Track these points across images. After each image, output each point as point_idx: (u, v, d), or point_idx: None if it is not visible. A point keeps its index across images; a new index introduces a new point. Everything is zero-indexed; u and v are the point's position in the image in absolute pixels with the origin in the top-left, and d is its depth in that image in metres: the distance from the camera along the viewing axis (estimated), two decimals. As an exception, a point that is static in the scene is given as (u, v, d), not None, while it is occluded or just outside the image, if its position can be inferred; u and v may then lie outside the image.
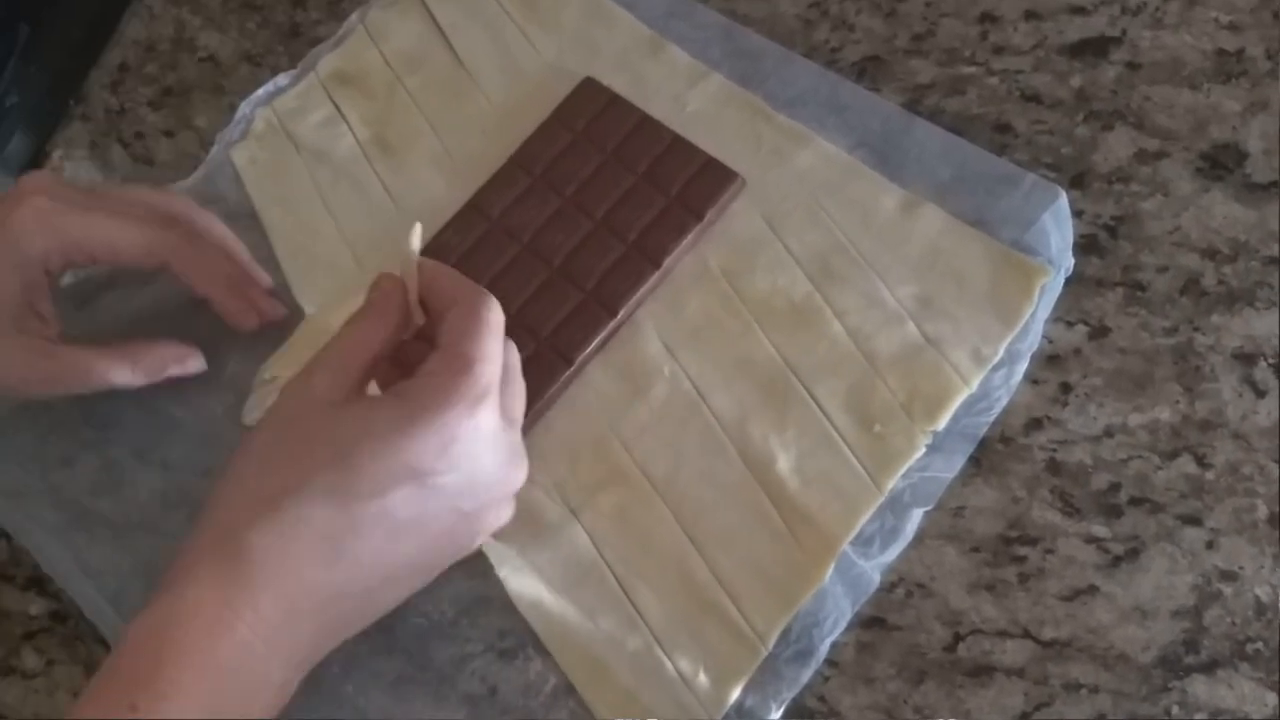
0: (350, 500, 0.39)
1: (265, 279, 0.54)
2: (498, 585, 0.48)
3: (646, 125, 0.55)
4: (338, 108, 0.59)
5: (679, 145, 0.55)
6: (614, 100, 0.56)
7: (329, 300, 0.54)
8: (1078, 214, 0.52)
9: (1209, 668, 0.44)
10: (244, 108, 0.59)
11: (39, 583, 0.52)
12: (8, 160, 0.61)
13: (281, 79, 0.60)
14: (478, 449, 0.41)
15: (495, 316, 0.42)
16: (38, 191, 0.48)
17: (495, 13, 0.60)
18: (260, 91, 0.60)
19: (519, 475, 0.44)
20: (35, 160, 0.62)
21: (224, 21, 0.64)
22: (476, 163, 0.56)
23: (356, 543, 0.39)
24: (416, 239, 0.43)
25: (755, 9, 0.59)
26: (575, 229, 0.54)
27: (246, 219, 0.57)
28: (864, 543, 0.47)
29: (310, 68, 0.61)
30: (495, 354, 0.41)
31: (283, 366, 0.52)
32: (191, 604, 0.38)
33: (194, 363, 0.52)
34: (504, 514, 0.44)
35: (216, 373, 0.53)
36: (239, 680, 0.38)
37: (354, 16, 0.61)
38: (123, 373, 0.50)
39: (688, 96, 0.57)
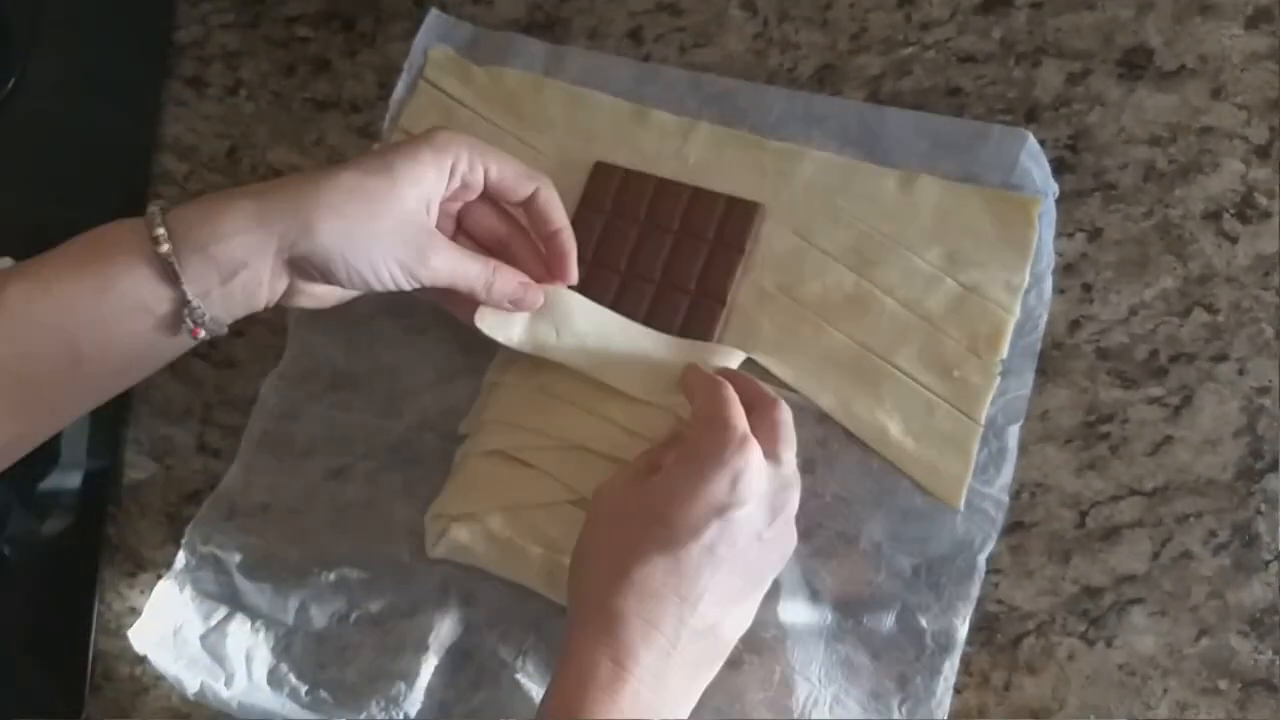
0: (677, 547, 0.49)
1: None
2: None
3: (664, 187, 0.63)
4: None
5: (699, 195, 0.62)
6: (627, 175, 0.64)
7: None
8: (1039, 143, 0.61)
9: (1275, 465, 0.55)
10: None
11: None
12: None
13: None
14: (756, 480, 0.50)
15: (730, 392, 0.53)
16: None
17: (490, 131, 0.67)
18: None
19: (793, 498, 0.53)
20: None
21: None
22: (531, 267, 0.63)
23: (692, 583, 0.49)
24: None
25: (708, 55, 0.67)
26: (642, 295, 0.61)
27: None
28: (980, 470, 0.56)
29: None
30: (742, 415, 0.52)
31: (448, 507, 0.59)
32: (589, 670, 0.47)
33: (533, 296, 0.58)
34: (792, 533, 0.53)
35: (386, 525, 0.60)
36: None
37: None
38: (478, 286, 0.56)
39: (686, 150, 0.64)
